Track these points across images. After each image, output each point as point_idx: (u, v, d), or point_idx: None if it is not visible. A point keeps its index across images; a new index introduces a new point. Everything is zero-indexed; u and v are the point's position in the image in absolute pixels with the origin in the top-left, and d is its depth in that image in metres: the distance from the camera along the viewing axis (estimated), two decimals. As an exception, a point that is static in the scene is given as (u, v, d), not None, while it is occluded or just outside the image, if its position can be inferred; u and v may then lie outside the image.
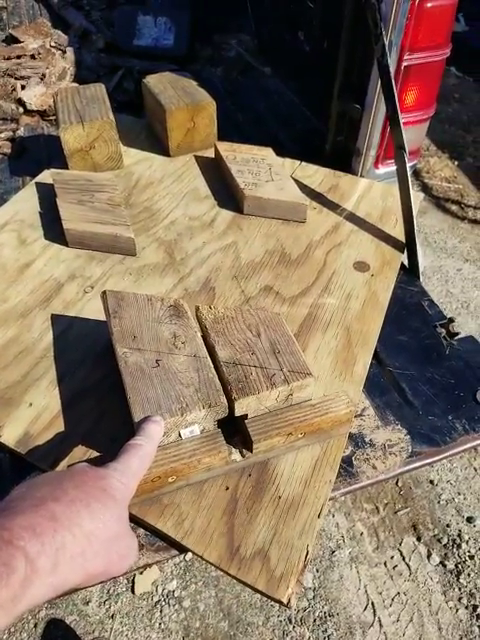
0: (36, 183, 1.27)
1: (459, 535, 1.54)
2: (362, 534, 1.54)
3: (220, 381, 0.71)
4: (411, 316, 1.03)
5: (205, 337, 0.78)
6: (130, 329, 0.78)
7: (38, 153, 1.47)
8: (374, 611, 1.40)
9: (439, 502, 1.61)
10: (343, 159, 1.34)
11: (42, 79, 1.72)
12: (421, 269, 1.13)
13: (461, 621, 1.38)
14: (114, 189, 1.19)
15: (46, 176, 1.27)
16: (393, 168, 1.14)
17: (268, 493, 0.72)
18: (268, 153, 1.32)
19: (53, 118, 1.63)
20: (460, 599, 1.42)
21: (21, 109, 1.64)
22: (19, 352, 0.89)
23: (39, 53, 1.81)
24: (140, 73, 1.78)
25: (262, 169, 1.24)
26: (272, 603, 1.30)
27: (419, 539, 1.53)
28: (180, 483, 0.70)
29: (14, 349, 0.90)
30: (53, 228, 1.13)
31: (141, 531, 0.70)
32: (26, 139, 1.55)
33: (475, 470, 1.69)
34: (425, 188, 2.76)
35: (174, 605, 1.40)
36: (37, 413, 0.80)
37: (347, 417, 0.75)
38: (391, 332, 0.98)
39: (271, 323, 0.79)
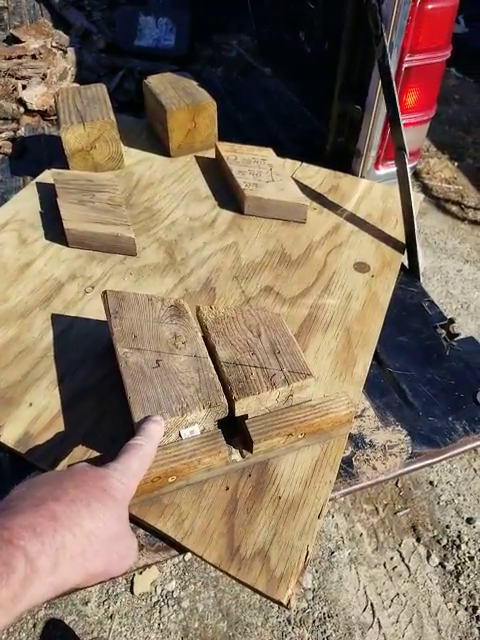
0: (37, 183, 1.27)
1: (459, 536, 1.54)
2: (361, 535, 1.54)
3: (220, 381, 0.71)
4: (411, 317, 1.03)
5: (205, 337, 0.78)
6: (130, 329, 0.78)
7: (39, 153, 1.47)
8: (373, 612, 1.40)
9: (439, 503, 1.61)
10: (343, 160, 1.34)
11: (43, 79, 1.73)
12: (421, 270, 1.13)
13: (460, 622, 1.38)
14: (115, 189, 1.19)
15: (47, 176, 1.27)
16: (393, 169, 1.14)
17: (268, 493, 0.72)
18: (269, 154, 1.32)
19: (54, 118, 1.63)
20: (460, 600, 1.42)
21: (22, 109, 1.64)
22: (19, 352, 0.89)
23: (40, 53, 1.81)
24: (141, 73, 1.78)
25: (263, 170, 1.25)
26: (271, 604, 1.30)
27: (419, 540, 1.53)
28: (180, 483, 0.70)
29: (14, 349, 0.90)
30: (54, 228, 1.13)
31: (141, 531, 0.70)
32: (27, 139, 1.55)
33: (475, 471, 1.69)
34: (425, 189, 2.76)
35: (173, 605, 1.40)
36: (37, 413, 0.80)
37: (347, 418, 0.75)
38: (391, 333, 0.98)
39: (271, 323, 0.79)
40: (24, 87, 1.68)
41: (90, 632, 1.36)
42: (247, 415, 0.72)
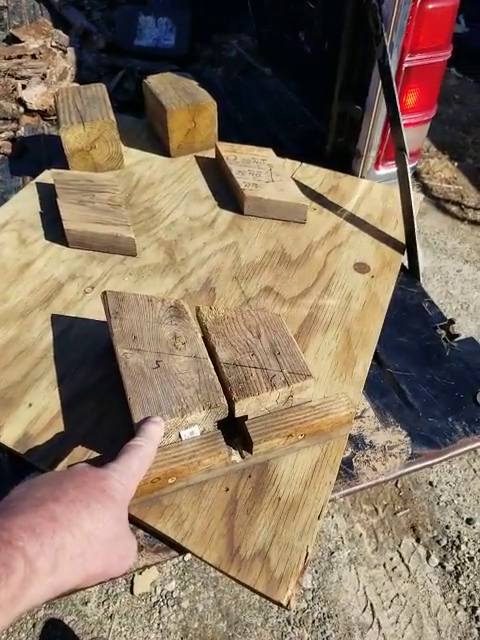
0: (37, 183, 1.27)
1: (458, 536, 1.54)
2: (361, 535, 1.54)
3: (220, 382, 0.71)
4: (411, 317, 1.03)
5: (205, 338, 0.78)
6: (130, 330, 0.78)
7: (39, 153, 1.47)
8: (373, 612, 1.40)
9: (438, 503, 1.61)
10: (343, 160, 1.34)
11: (43, 79, 1.72)
12: (421, 270, 1.13)
13: (460, 623, 1.38)
14: (115, 189, 1.19)
15: (47, 176, 1.27)
16: (393, 169, 1.14)
17: (268, 494, 0.71)
18: (269, 154, 1.32)
19: (54, 118, 1.63)
20: (459, 600, 1.42)
21: (22, 109, 1.64)
22: (19, 352, 0.89)
23: (40, 53, 1.81)
24: (141, 73, 1.78)
25: (262, 170, 1.24)
26: (271, 604, 1.30)
27: (418, 540, 1.53)
28: (180, 484, 0.70)
29: (14, 349, 0.90)
30: (54, 228, 1.13)
31: (140, 532, 0.70)
32: (27, 139, 1.55)
33: (474, 472, 1.69)
34: (425, 189, 2.76)
35: (173, 606, 1.40)
36: (37, 413, 0.80)
37: (347, 419, 0.75)
38: (391, 333, 0.98)
39: (271, 324, 0.79)
40: (24, 87, 1.68)
41: (90, 632, 1.36)
42: (247, 416, 0.72)
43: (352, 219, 1.21)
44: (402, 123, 1.07)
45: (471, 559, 1.49)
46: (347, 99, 1.27)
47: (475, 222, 2.62)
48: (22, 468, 0.76)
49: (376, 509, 1.59)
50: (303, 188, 1.25)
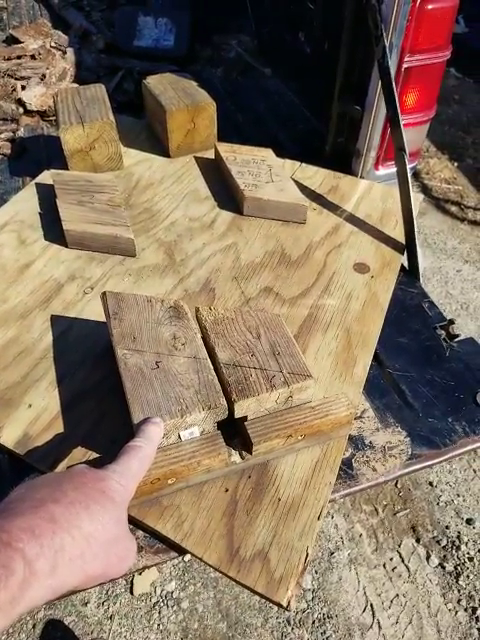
0: (36, 184, 1.27)
1: (458, 537, 1.54)
2: (361, 536, 1.54)
3: (220, 383, 0.71)
4: (411, 318, 1.03)
5: (205, 338, 0.78)
6: (130, 330, 0.78)
7: (38, 154, 1.47)
8: (373, 613, 1.40)
9: (438, 504, 1.61)
10: (343, 160, 1.34)
11: (42, 79, 1.72)
12: (421, 271, 1.12)
13: (460, 623, 1.38)
14: (114, 190, 1.19)
15: (46, 177, 1.27)
16: (393, 169, 1.14)
17: (268, 495, 0.71)
18: (268, 154, 1.32)
19: (53, 119, 1.63)
20: (459, 601, 1.42)
21: (21, 109, 1.64)
22: (19, 353, 0.89)
23: (39, 53, 1.81)
24: (140, 74, 1.78)
25: (262, 170, 1.24)
26: (271, 604, 1.30)
27: (418, 541, 1.53)
28: (180, 485, 0.70)
29: (14, 350, 0.90)
30: (53, 229, 1.12)
31: (140, 533, 0.70)
32: (26, 139, 1.55)
33: (474, 472, 1.69)
34: (425, 189, 2.76)
35: (173, 606, 1.40)
36: (36, 414, 0.80)
37: (347, 419, 0.75)
38: (391, 334, 0.98)
39: (271, 325, 0.79)
40: (23, 88, 1.68)
41: (90, 633, 1.36)
42: (247, 417, 0.72)
43: (352, 219, 1.21)
44: (402, 123, 1.07)
45: (471, 559, 1.49)
46: (347, 99, 1.27)
47: (475, 222, 2.62)
48: (22, 469, 0.76)
49: (376, 509, 1.59)
50: (303, 188, 1.25)
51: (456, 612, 1.40)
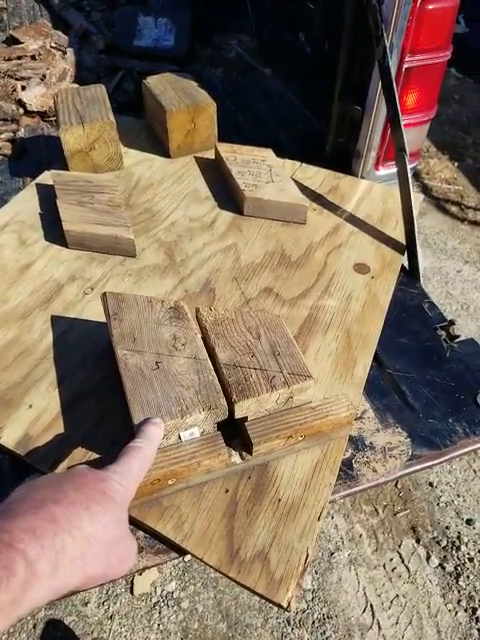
0: (36, 184, 1.27)
1: (458, 537, 1.54)
2: (361, 536, 1.54)
3: (220, 383, 0.71)
4: (411, 318, 1.03)
5: (205, 339, 0.78)
6: (130, 331, 0.78)
7: (38, 154, 1.47)
8: (373, 613, 1.40)
9: (438, 504, 1.61)
10: (343, 160, 1.34)
11: (42, 80, 1.72)
12: (421, 271, 1.12)
13: (460, 624, 1.38)
14: (114, 190, 1.19)
15: (46, 177, 1.27)
16: (393, 170, 1.14)
17: (268, 496, 0.71)
18: (268, 154, 1.31)
19: (53, 119, 1.63)
20: (459, 601, 1.42)
21: (21, 110, 1.64)
22: (19, 353, 0.89)
23: (39, 54, 1.81)
24: (140, 74, 1.78)
25: (262, 170, 1.24)
26: (271, 605, 1.30)
27: (418, 541, 1.53)
28: (180, 485, 0.70)
29: (14, 350, 0.90)
30: (53, 229, 1.13)
31: (141, 533, 0.70)
32: (26, 140, 1.55)
33: (475, 472, 1.69)
34: (425, 189, 2.76)
35: (173, 606, 1.40)
36: (37, 415, 0.80)
37: (347, 420, 0.75)
38: (391, 334, 0.98)
39: (271, 325, 0.79)
40: (23, 88, 1.68)
41: (90, 633, 1.36)
42: (247, 417, 0.72)
43: (352, 220, 1.21)
44: (402, 124, 1.07)
45: (471, 560, 1.49)
46: (347, 99, 1.27)
47: (475, 222, 2.62)
48: (22, 470, 0.76)
49: (376, 510, 1.59)
50: (303, 189, 1.25)
51: (456, 613, 1.40)
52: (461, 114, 3.29)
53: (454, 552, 1.51)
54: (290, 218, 1.18)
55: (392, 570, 1.47)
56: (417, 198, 1.26)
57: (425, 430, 0.84)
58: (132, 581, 1.44)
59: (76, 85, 1.74)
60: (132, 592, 1.42)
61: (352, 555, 1.50)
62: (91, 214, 1.12)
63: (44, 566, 0.41)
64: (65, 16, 2.16)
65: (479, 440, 0.84)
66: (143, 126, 1.49)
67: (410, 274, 1.13)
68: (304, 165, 1.36)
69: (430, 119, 1.29)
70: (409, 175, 1.09)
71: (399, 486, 1.65)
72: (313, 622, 1.39)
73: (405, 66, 1.14)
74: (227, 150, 1.31)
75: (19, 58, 1.78)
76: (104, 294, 0.84)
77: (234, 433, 0.74)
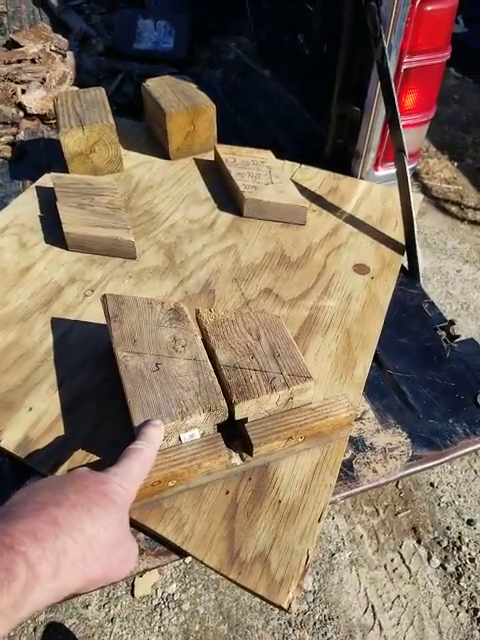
0: (36, 187, 1.27)
1: (459, 538, 1.54)
2: (362, 537, 1.54)
3: (220, 385, 0.71)
4: (411, 319, 1.03)
5: (205, 340, 0.78)
6: (130, 333, 0.78)
7: (38, 157, 1.48)
8: (374, 614, 1.40)
9: (439, 504, 1.61)
10: (343, 161, 1.34)
11: (42, 83, 1.73)
12: (421, 271, 1.13)
13: (462, 625, 1.38)
14: (114, 192, 1.19)
15: (46, 180, 1.27)
16: (393, 170, 1.14)
17: (268, 497, 0.71)
18: (268, 156, 1.32)
19: (53, 122, 1.63)
20: (461, 602, 1.42)
21: (21, 113, 1.64)
22: (19, 356, 0.89)
23: (39, 57, 1.81)
24: (140, 76, 1.78)
25: (262, 172, 1.25)
26: (272, 606, 1.30)
27: (419, 542, 1.53)
28: (180, 487, 0.70)
29: (14, 353, 0.90)
30: (53, 232, 1.13)
31: (141, 535, 0.70)
32: (26, 143, 1.55)
33: (475, 472, 1.68)
34: (425, 189, 2.76)
35: (174, 608, 1.40)
36: (37, 417, 0.80)
37: (347, 421, 0.75)
38: (391, 335, 0.98)
39: (271, 326, 0.79)
40: (23, 91, 1.68)
41: (91, 635, 1.36)
42: (247, 419, 0.72)
43: (352, 220, 1.21)
44: (401, 124, 1.07)
45: (472, 560, 1.49)
46: (346, 101, 1.27)
47: (475, 222, 2.62)
48: (23, 472, 0.76)
49: (377, 510, 1.59)
50: (302, 190, 1.25)
51: (457, 613, 1.40)
52: (461, 114, 3.29)
53: (455, 552, 1.51)
54: (290, 219, 1.18)
55: (393, 571, 1.47)
56: (417, 198, 1.26)
57: (425, 431, 0.84)
58: (133, 583, 1.43)
59: (76, 88, 1.74)
60: (133, 594, 1.42)
61: (353, 556, 1.50)
62: (91, 216, 1.12)
63: (45, 569, 0.41)
64: (65, 19, 2.16)
65: (479, 440, 0.84)
66: (143, 128, 1.49)
67: (410, 274, 1.13)
68: (303, 166, 1.36)
69: (429, 120, 1.29)
70: (408, 176, 1.09)
71: (400, 486, 1.64)
72: (314, 623, 1.39)
73: (404, 67, 1.14)
74: (226, 152, 1.31)
75: (19, 62, 1.78)
76: (104, 296, 0.84)
77: (234, 434, 0.74)
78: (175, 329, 0.79)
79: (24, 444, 0.77)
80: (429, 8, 1.07)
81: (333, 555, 1.50)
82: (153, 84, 1.41)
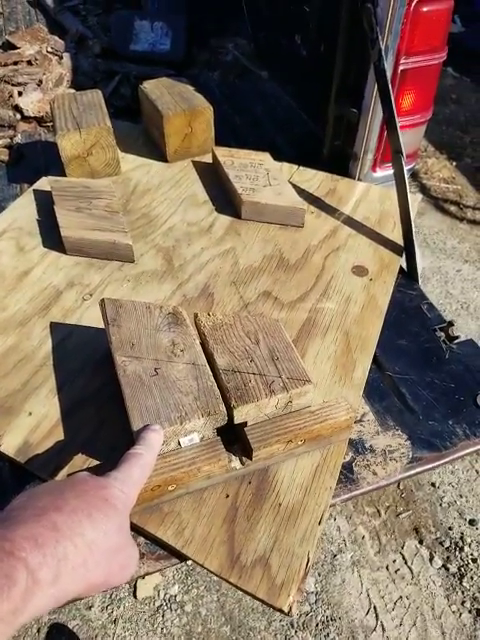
0: (34, 190, 1.27)
1: (461, 538, 1.53)
2: (364, 538, 1.54)
3: (219, 389, 0.71)
4: (410, 320, 1.03)
5: (204, 344, 0.78)
6: (129, 337, 0.78)
7: (35, 160, 1.48)
8: (376, 615, 1.40)
9: (441, 505, 1.61)
10: (340, 163, 1.34)
11: (39, 85, 1.73)
12: (420, 271, 1.13)
13: (465, 625, 1.38)
14: (112, 196, 1.19)
15: (44, 183, 1.27)
16: (391, 171, 1.14)
17: (268, 500, 0.71)
18: (266, 158, 1.32)
19: (50, 125, 1.63)
20: (463, 603, 1.42)
21: (18, 116, 1.64)
22: (18, 360, 0.89)
23: (36, 59, 1.81)
24: (137, 78, 1.78)
25: (260, 174, 1.25)
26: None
27: (421, 542, 1.53)
28: (180, 491, 0.70)
29: (13, 357, 0.90)
30: (51, 235, 1.13)
31: (142, 540, 0.70)
32: (23, 146, 1.55)
33: (477, 472, 1.68)
34: (423, 189, 2.76)
35: (176, 610, 1.40)
36: (37, 422, 0.80)
37: (347, 423, 0.75)
38: (390, 336, 0.98)
39: (270, 330, 0.79)
40: (20, 94, 1.68)
41: (94, 637, 1.36)
42: (246, 422, 0.72)
43: (350, 222, 1.21)
44: (398, 125, 1.07)
45: (474, 560, 1.49)
46: (343, 102, 1.27)
47: (474, 221, 2.62)
48: (22, 477, 0.76)
49: (378, 511, 1.59)
50: (300, 192, 1.25)
51: (460, 614, 1.40)
52: (458, 113, 3.29)
53: (457, 553, 1.51)
54: (288, 221, 1.18)
55: (395, 571, 1.47)
56: (415, 198, 1.26)
57: (425, 432, 0.84)
58: (135, 585, 1.43)
59: (73, 90, 1.74)
60: (135, 596, 1.42)
61: (355, 557, 1.50)
62: (89, 220, 1.12)
63: (46, 574, 0.41)
64: (61, 21, 2.16)
65: (479, 442, 0.84)
66: (140, 131, 1.49)
67: (408, 275, 1.13)
68: (301, 168, 1.36)
69: (426, 120, 1.30)
70: (406, 177, 1.09)
71: (401, 487, 1.64)
72: (317, 625, 1.39)
73: (400, 68, 1.14)
74: (224, 154, 1.31)
75: (15, 63, 1.78)
76: (102, 300, 0.84)
77: (234, 438, 0.74)
78: (174, 333, 0.79)
79: (24, 448, 0.77)
80: (425, 9, 1.07)
81: (335, 556, 1.50)
82: (150, 86, 1.41)
